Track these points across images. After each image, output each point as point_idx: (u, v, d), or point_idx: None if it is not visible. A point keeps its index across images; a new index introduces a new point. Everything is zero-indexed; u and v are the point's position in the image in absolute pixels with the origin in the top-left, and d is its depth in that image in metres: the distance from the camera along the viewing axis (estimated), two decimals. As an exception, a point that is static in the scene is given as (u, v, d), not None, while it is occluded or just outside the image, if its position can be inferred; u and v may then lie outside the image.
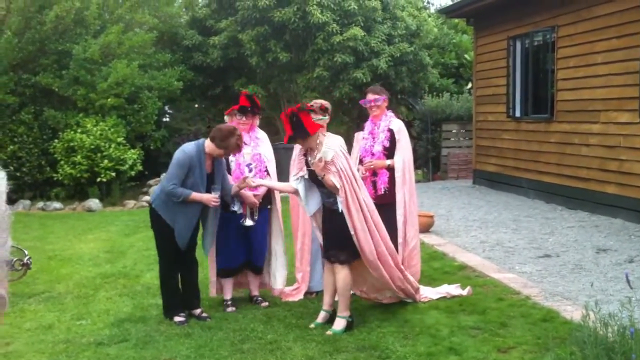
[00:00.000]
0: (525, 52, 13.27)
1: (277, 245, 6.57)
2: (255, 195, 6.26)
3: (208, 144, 5.79)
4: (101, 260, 8.61)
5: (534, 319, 5.60)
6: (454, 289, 6.44)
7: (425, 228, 9.30)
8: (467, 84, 19.14)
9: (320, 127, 5.67)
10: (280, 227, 6.61)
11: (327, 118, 6.60)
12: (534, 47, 13.08)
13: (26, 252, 0.87)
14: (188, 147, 5.82)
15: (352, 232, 5.48)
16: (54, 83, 14.12)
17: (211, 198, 5.76)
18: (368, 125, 6.78)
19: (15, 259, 0.79)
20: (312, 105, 6.59)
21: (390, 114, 6.75)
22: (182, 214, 5.76)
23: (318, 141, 5.50)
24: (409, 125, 18.20)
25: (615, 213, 10.10)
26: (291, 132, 5.43)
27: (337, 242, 5.62)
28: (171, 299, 6.00)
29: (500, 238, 9.06)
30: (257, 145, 6.43)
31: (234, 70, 17.15)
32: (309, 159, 5.59)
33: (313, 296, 6.61)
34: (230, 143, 5.74)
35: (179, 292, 6.05)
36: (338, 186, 5.41)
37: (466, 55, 20.00)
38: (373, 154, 6.59)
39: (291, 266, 6.85)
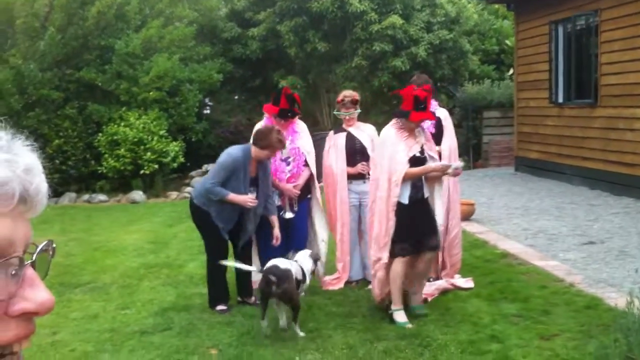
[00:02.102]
0: (567, 37, 13.02)
1: (323, 234, 6.59)
2: (294, 186, 6.29)
3: (253, 148, 5.84)
4: (145, 250, 8.76)
5: (578, 306, 5.53)
6: (464, 282, 6.36)
7: (466, 216, 9.23)
8: (508, 70, 18.86)
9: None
10: (323, 216, 6.63)
11: (358, 111, 6.61)
12: (576, 31, 12.83)
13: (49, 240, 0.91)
14: (235, 151, 5.87)
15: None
16: (97, 78, 14.36)
17: (247, 199, 5.80)
18: None
19: (53, 244, 0.83)
20: (342, 100, 6.56)
21: (434, 102, 6.57)
22: (218, 204, 5.82)
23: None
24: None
25: (662, 199, 9.88)
26: (410, 108, 5.52)
27: (433, 228, 5.67)
28: (217, 291, 6.03)
29: (543, 225, 8.95)
30: (295, 139, 6.43)
31: (272, 62, 17.20)
32: (418, 139, 5.65)
33: (353, 285, 6.63)
34: (272, 140, 5.78)
35: (225, 284, 6.08)
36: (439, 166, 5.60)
37: (507, 41, 19.70)
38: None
39: (331, 255, 6.87)
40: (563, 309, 5.49)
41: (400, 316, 5.51)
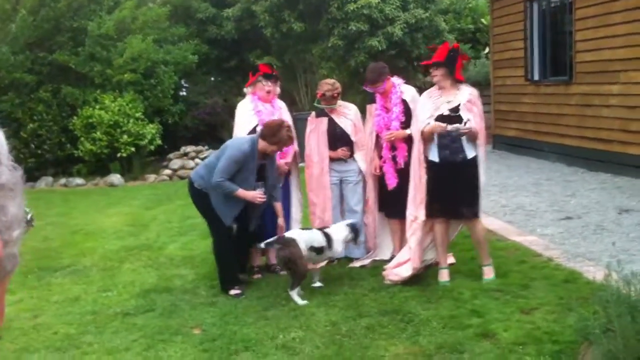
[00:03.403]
0: (542, 14, 13.08)
1: (297, 214, 6.61)
2: (285, 163, 6.33)
3: (261, 142, 5.80)
4: (124, 233, 8.71)
5: (557, 280, 5.61)
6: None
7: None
8: (484, 49, 18.93)
9: (463, 80, 5.82)
10: (299, 196, 6.65)
11: (340, 102, 6.60)
12: (551, 8, 12.90)
13: (28, 210, 0.87)
14: (244, 145, 5.80)
15: (483, 182, 5.74)
16: (70, 60, 14.16)
17: (256, 195, 5.78)
18: (378, 96, 6.51)
19: (31, 215, 0.79)
20: (324, 94, 6.53)
21: (397, 82, 6.46)
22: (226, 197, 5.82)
23: (458, 85, 5.75)
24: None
25: (637, 174, 10.00)
26: (442, 59, 5.68)
27: (468, 195, 5.71)
28: (227, 273, 5.96)
29: (521, 202, 9.03)
30: (281, 114, 6.46)
31: (248, 43, 17.09)
32: (445, 97, 5.71)
33: (334, 263, 6.65)
34: (282, 136, 5.79)
35: (235, 266, 6.04)
36: (477, 126, 5.60)
37: (483, 20, 19.74)
38: (390, 130, 6.38)
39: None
40: (542, 283, 5.56)
41: (441, 275, 5.82)
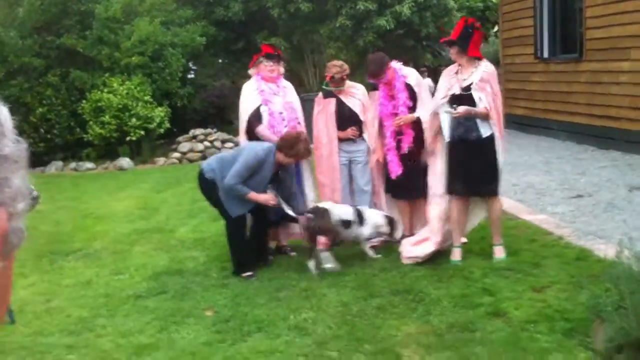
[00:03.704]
0: (552, -9, 12.95)
1: (311, 194, 6.60)
2: None
3: (278, 154, 5.81)
4: (135, 216, 8.74)
5: (568, 258, 5.60)
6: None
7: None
8: (493, 27, 18.80)
9: (480, 55, 5.80)
10: (311, 176, 6.64)
11: (347, 82, 6.57)
12: (561, -15, 12.76)
13: (32, 187, 0.87)
14: (260, 152, 5.79)
15: (501, 160, 5.72)
16: (78, 44, 14.15)
17: (268, 198, 5.81)
18: (382, 85, 6.41)
19: (36, 192, 0.80)
20: (332, 77, 6.48)
21: (398, 66, 6.40)
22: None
23: (475, 63, 5.72)
24: (434, 73, 17.98)
25: (648, 151, 9.95)
26: (454, 37, 5.72)
27: (486, 173, 5.71)
28: (242, 257, 5.97)
29: (531, 180, 9.00)
30: (286, 94, 6.45)
31: (256, 24, 17.02)
32: (460, 76, 5.71)
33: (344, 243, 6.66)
34: (299, 150, 5.81)
35: (248, 248, 6.05)
36: (483, 105, 5.58)
37: (491, -2, 19.59)
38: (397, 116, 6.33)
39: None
40: (553, 261, 5.55)
41: (454, 253, 5.86)
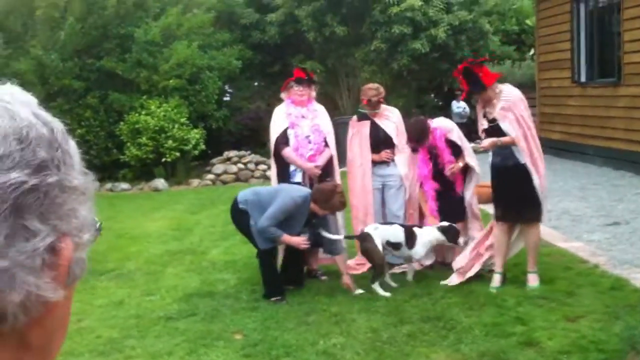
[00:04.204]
0: (589, 15, 12.84)
1: (340, 219, 6.59)
2: (315, 166, 6.31)
3: (312, 205, 5.80)
4: (168, 237, 8.82)
5: (603, 287, 5.49)
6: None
7: (487, 199, 9.14)
8: (529, 51, 18.67)
9: (498, 76, 5.83)
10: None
11: (384, 106, 6.61)
12: (598, 8, 12.65)
13: (97, 218, 0.89)
14: (298, 199, 5.79)
15: (538, 186, 5.67)
16: (117, 67, 14.42)
17: (300, 241, 5.82)
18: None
19: (99, 223, 0.81)
20: (369, 100, 6.53)
21: (436, 125, 6.39)
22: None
23: (497, 90, 5.69)
24: (469, 96, 17.91)
25: (688, 178, 9.74)
26: (467, 87, 5.78)
27: (526, 199, 5.70)
28: (271, 280, 5.98)
29: (566, 207, 8.87)
30: (315, 117, 6.48)
31: (291, 47, 17.15)
32: (488, 109, 5.76)
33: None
34: (334, 203, 5.80)
35: (277, 274, 6.06)
36: (513, 134, 5.58)
37: (527, 21, 19.47)
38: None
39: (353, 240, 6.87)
40: (588, 290, 5.45)
41: (494, 280, 5.82)
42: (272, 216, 5.72)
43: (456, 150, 6.37)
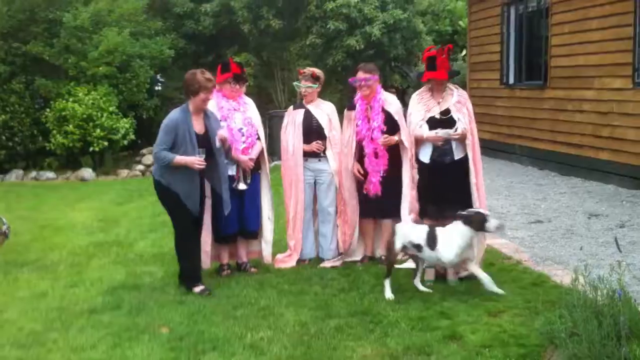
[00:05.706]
0: (519, 19, 13.18)
1: (269, 211, 6.56)
2: (249, 159, 6.27)
3: (190, 103, 5.80)
4: (94, 229, 8.61)
5: (525, 283, 5.65)
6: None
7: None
8: (461, 51, 19.04)
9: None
10: (270, 192, 6.60)
11: (317, 86, 6.60)
12: (528, 13, 12.99)
13: (4, 220, 0.84)
14: (174, 114, 5.82)
15: (474, 181, 5.74)
16: (44, 52, 13.98)
17: (195, 160, 5.68)
18: (359, 104, 6.46)
19: (7, 226, 0.76)
20: (304, 72, 6.61)
21: (380, 91, 6.47)
22: (180, 176, 5.71)
23: (451, 85, 5.88)
24: (402, 93, 18.12)
25: (608, 179, 10.12)
26: (444, 70, 5.83)
27: (461, 196, 5.73)
28: (190, 269, 5.90)
29: (492, 204, 9.05)
30: (246, 110, 6.44)
31: (226, 39, 16.99)
32: (440, 101, 5.83)
33: (306, 262, 6.64)
34: (199, 80, 5.71)
35: (197, 261, 5.97)
36: (462, 127, 5.69)
37: (460, 22, 19.84)
38: (373, 139, 6.33)
39: (283, 233, 6.87)
40: (511, 286, 5.59)
41: (427, 273, 5.87)
42: (159, 141, 5.73)
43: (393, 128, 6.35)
